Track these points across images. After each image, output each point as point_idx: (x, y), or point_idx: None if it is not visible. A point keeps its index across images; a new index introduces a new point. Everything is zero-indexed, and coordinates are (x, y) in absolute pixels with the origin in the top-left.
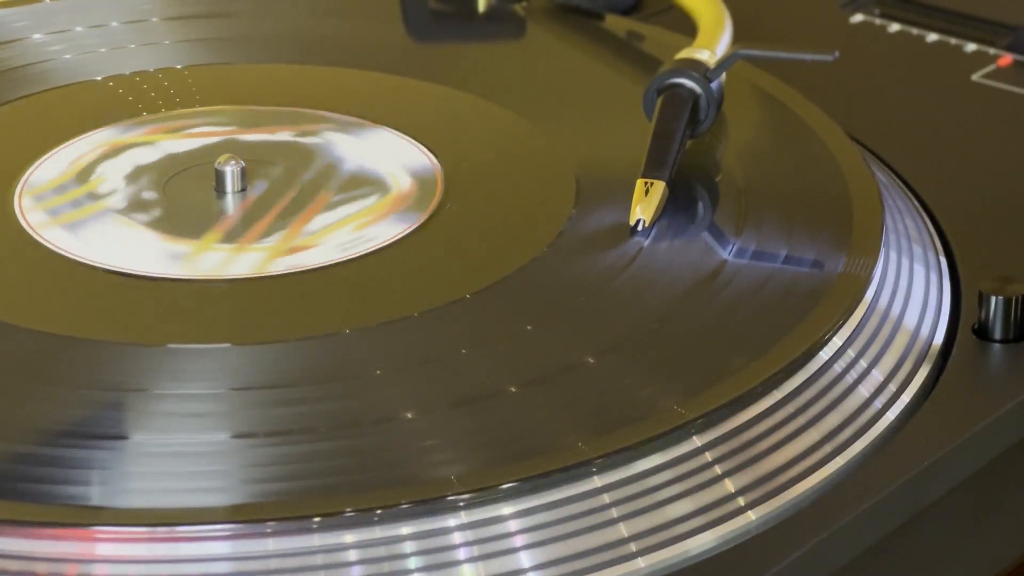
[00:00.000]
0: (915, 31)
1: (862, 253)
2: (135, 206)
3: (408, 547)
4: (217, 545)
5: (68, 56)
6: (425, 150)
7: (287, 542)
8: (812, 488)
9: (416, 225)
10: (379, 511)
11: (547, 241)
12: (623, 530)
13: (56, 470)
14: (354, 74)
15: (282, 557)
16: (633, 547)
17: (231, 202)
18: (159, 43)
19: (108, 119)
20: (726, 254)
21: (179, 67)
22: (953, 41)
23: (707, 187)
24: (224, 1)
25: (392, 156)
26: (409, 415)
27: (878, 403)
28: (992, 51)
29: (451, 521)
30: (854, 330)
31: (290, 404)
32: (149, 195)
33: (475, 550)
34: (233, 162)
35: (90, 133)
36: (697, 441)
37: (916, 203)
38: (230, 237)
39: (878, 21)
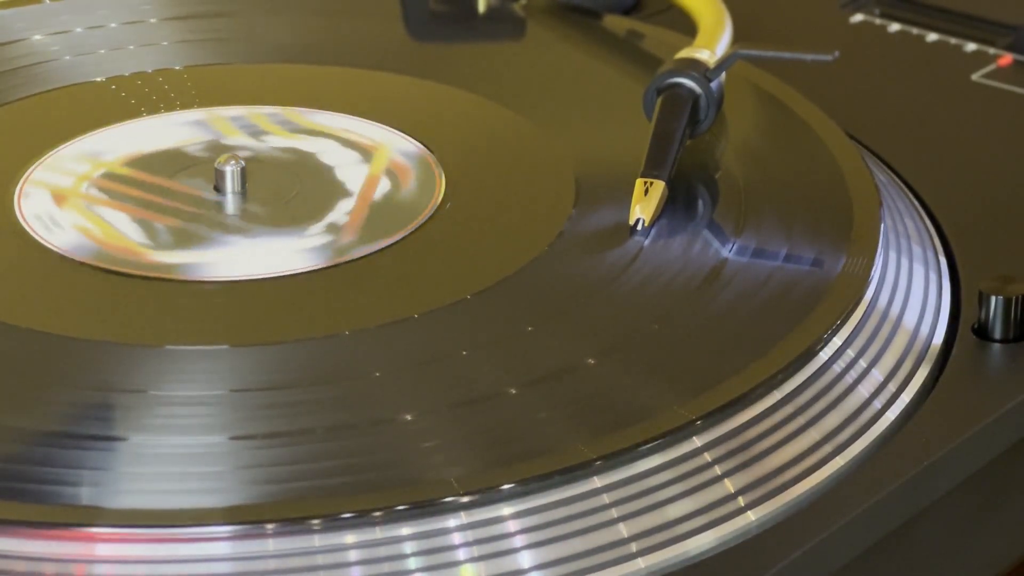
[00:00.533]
0: (915, 31)
1: (862, 253)
2: (135, 206)
3: (408, 548)
4: (217, 546)
5: (68, 57)
6: (425, 150)
7: (287, 543)
8: (812, 488)
9: (416, 225)
10: (379, 512)
11: (547, 241)
12: (623, 530)
13: (56, 470)
14: (354, 74)
15: (282, 558)
16: (633, 547)
17: (231, 202)
18: (158, 44)
19: (108, 120)
20: (726, 254)
21: (178, 67)
22: (953, 41)
23: (707, 187)
24: (223, 1)
25: (392, 155)
26: (409, 416)
27: (878, 403)
28: (992, 51)
29: (451, 522)
30: (854, 330)
31: (290, 405)
32: (149, 195)
33: (475, 551)
34: (233, 162)
35: (90, 133)
36: (697, 441)
37: (916, 203)
38: (229, 237)
39: (878, 21)
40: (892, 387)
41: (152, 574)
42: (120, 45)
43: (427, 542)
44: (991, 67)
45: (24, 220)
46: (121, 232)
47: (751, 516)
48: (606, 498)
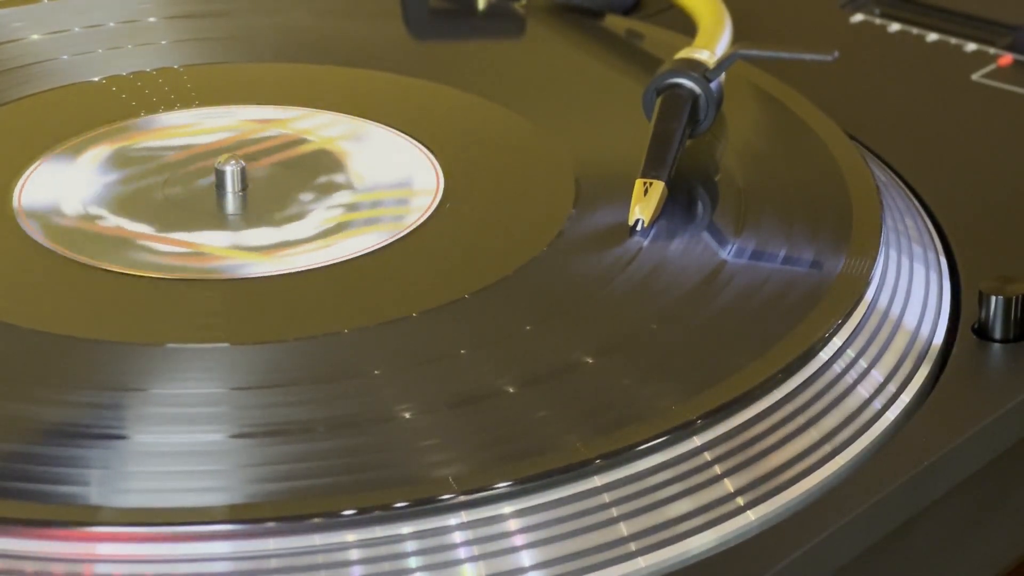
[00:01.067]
0: (915, 31)
1: (862, 253)
2: (135, 206)
3: (408, 546)
4: (217, 545)
5: (66, 56)
6: (425, 149)
7: (287, 542)
8: (812, 488)
9: (416, 225)
10: (379, 511)
11: (547, 241)
12: (623, 529)
13: (56, 470)
14: (354, 73)
15: (282, 557)
16: (633, 546)
17: (231, 202)
18: (157, 43)
19: (107, 119)
20: (725, 254)
21: (177, 67)
22: (953, 41)
23: (707, 187)
24: (222, 1)
25: (391, 155)
26: (409, 415)
27: (878, 403)
28: (992, 51)
29: (451, 520)
30: (854, 330)
31: (290, 404)
32: (149, 195)
33: (475, 549)
34: (233, 162)
35: (89, 133)
36: (697, 441)
37: (916, 203)
38: (230, 237)
39: (878, 21)
40: (892, 387)
41: (153, 573)
42: (119, 45)
43: (427, 541)
44: (991, 67)
45: (24, 220)
46: (121, 232)
47: (751, 516)
48: (606, 497)
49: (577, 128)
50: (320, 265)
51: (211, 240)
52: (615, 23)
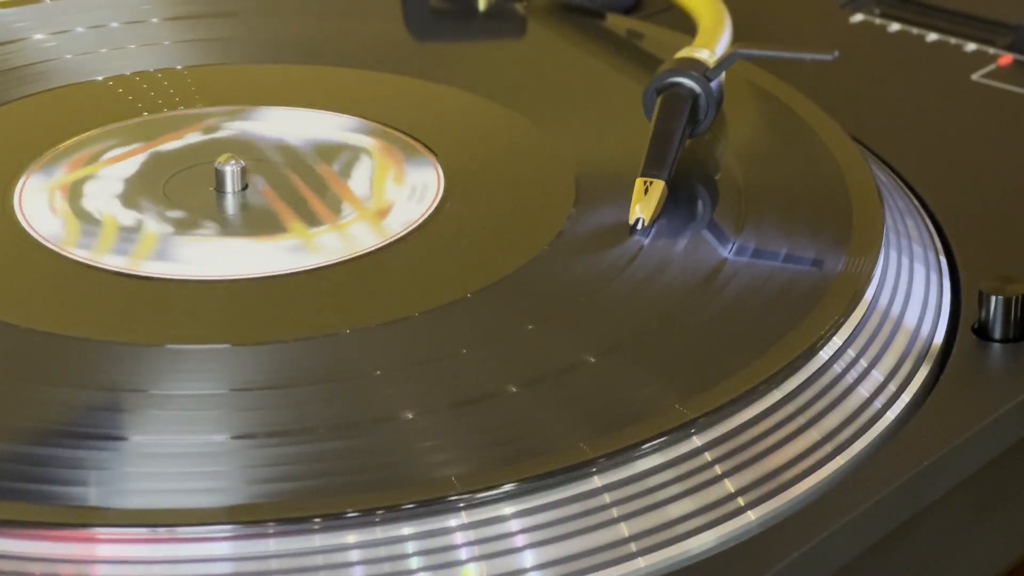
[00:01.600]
0: (915, 31)
1: (862, 252)
2: (135, 206)
3: (409, 547)
4: (217, 546)
5: (68, 56)
6: (425, 149)
7: (288, 543)
8: (812, 488)
9: (416, 225)
10: (380, 511)
11: (547, 240)
12: (624, 530)
13: (56, 470)
14: (354, 73)
15: (282, 558)
16: (633, 547)
17: (231, 202)
18: (159, 43)
19: (108, 119)
20: (726, 253)
21: (179, 67)
22: (953, 41)
23: (707, 186)
24: (223, 1)
25: (392, 155)
26: (409, 415)
27: (878, 403)
28: (992, 51)
29: (452, 521)
30: (854, 330)
31: (290, 404)
32: (149, 195)
33: (476, 550)
34: (233, 162)
35: (90, 133)
36: (697, 441)
37: (916, 203)
38: (230, 238)
39: (878, 21)
40: (892, 387)
41: (153, 574)
42: (121, 45)
43: (428, 542)
44: (991, 67)
45: (24, 220)
46: (121, 231)
47: (751, 516)
48: (607, 497)
49: (577, 128)
50: (320, 265)
51: (210, 240)
52: (615, 23)
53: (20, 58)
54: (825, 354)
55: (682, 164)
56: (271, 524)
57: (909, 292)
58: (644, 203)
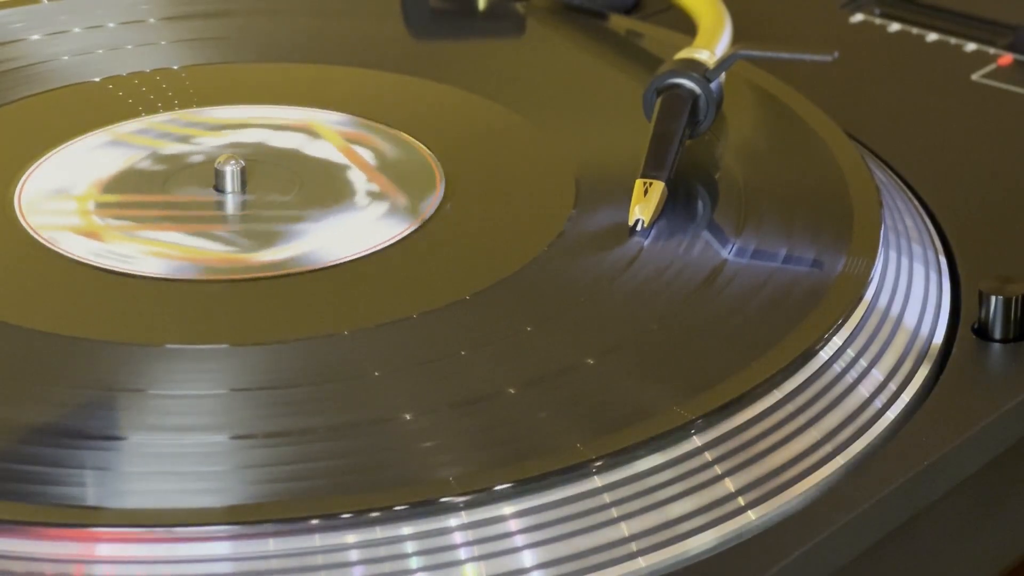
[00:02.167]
0: (915, 31)
1: (862, 252)
2: (134, 206)
3: (408, 547)
4: (217, 546)
5: (66, 57)
6: (425, 149)
7: (287, 543)
8: (812, 488)
9: (416, 225)
10: (379, 512)
11: (547, 241)
12: (624, 530)
13: (56, 470)
14: (354, 73)
15: (282, 558)
16: (633, 547)
17: (231, 202)
18: (156, 44)
19: (106, 120)
20: (726, 254)
21: (176, 67)
22: (953, 41)
23: (707, 187)
24: (222, 1)
25: (392, 155)
26: (409, 416)
27: (878, 402)
28: (992, 51)
29: (451, 521)
30: (854, 330)
31: (289, 405)
32: (148, 195)
33: (475, 550)
34: (233, 162)
35: (89, 134)
36: (697, 441)
37: (916, 203)
38: (229, 237)
39: (878, 21)
40: (892, 387)
41: (152, 574)
42: (118, 45)
43: (427, 542)
44: (991, 67)
45: (24, 220)
46: (121, 232)
47: (751, 515)
48: (606, 497)
49: (577, 128)
50: (320, 265)
51: (210, 240)
52: (615, 23)
53: (17, 59)
54: (825, 354)
55: (682, 165)
56: (270, 524)
57: (909, 292)
58: (644, 204)
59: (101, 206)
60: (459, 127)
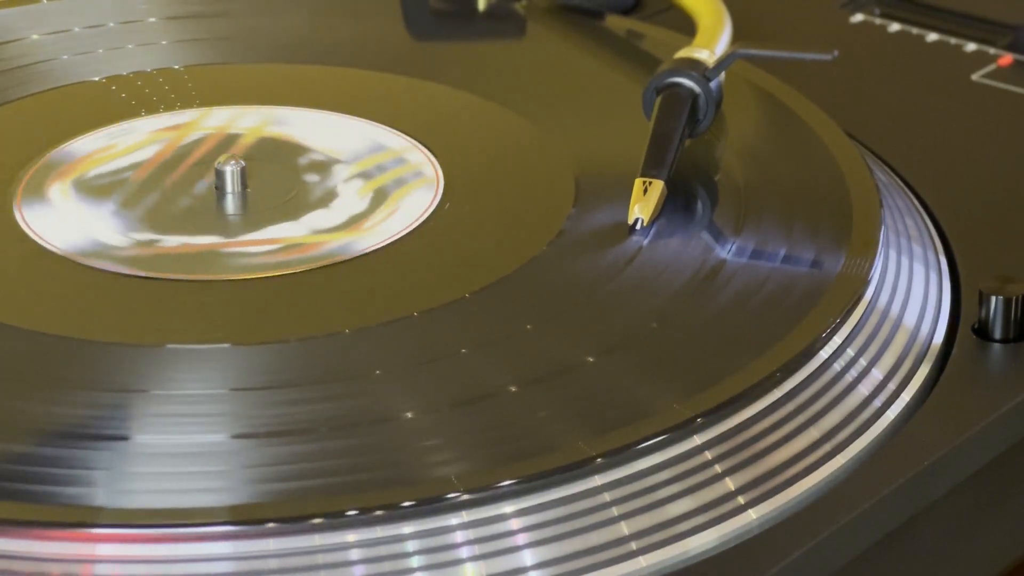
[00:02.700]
0: (915, 31)
1: (861, 252)
2: (135, 206)
3: (410, 546)
4: (218, 545)
5: (66, 56)
6: (425, 149)
7: (288, 542)
8: (812, 487)
9: (416, 225)
10: (380, 511)
11: (547, 240)
12: (624, 528)
13: (56, 470)
14: (354, 73)
15: (283, 557)
16: (634, 545)
17: (231, 202)
18: (157, 43)
19: (107, 119)
20: (725, 253)
21: (177, 67)
22: (953, 41)
23: (706, 186)
24: (222, 1)
25: (391, 155)
26: (409, 415)
27: (878, 402)
28: (992, 51)
29: (452, 520)
30: (853, 329)
31: (290, 404)
32: (149, 195)
33: (476, 549)
34: (233, 162)
35: (89, 134)
36: (697, 440)
37: (916, 203)
38: (230, 237)
39: (878, 21)
40: (892, 386)
41: (153, 574)
42: (119, 45)
43: (428, 540)
44: (991, 67)
45: (24, 220)
46: (121, 231)
47: (752, 515)
48: (607, 496)
49: (577, 128)
50: (320, 265)
51: (210, 240)
52: (615, 23)
53: (18, 59)
54: (825, 353)
55: (681, 164)
56: (271, 524)
57: (909, 292)
58: (643, 203)
59: (101, 206)
60: (459, 127)
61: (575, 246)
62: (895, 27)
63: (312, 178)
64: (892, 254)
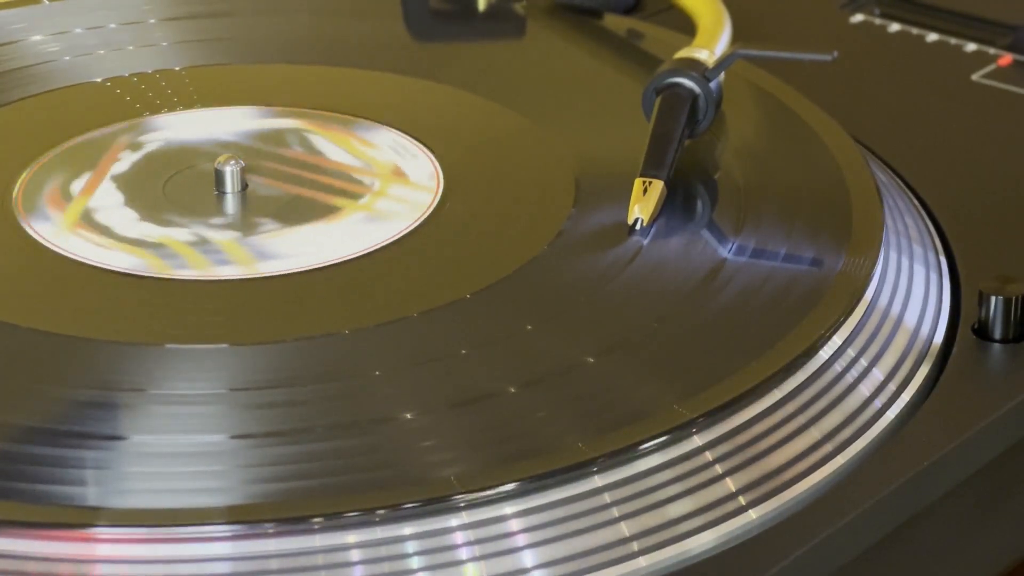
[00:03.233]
0: (915, 31)
1: (862, 252)
2: (135, 206)
3: (409, 547)
4: (217, 546)
5: (67, 58)
6: (425, 149)
7: (287, 543)
8: (813, 487)
9: (416, 225)
10: (380, 511)
11: (547, 241)
12: (624, 529)
13: (56, 470)
14: (354, 73)
15: (282, 557)
16: (634, 546)
17: (231, 202)
18: (157, 44)
19: (107, 120)
20: (726, 253)
21: (177, 68)
22: (953, 41)
23: (706, 186)
24: (223, 1)
25: (392, 155)
26: (409, 415)
27: (878, 402)
28: (992, 51)
29: (452, 521)
30: (854, 329)
31: (290, 404)
32: (149, 195)
33: (476, 550)
34: (233, 162)
35: (89, 134)
36: (697, 440)
37: (916, 203)
38: (229, 238)
39: (878, 21)
40: (892, 386)
41: (152, 574)
42: (119, 46)
43: (428, 541)
44: (991, 67)
45: (24, 220)
46: (121, 231)
47: (752, 515)
48: (607, 497)
49: (577, 128)
50: (320, 265)
51: (210, 240)
52: (615, 23)
53: (18, 59)
54: (825, 353)
55: (681, 164)
56: (271, 524)
57: (909, 292)
58: (643, 203)
59: (101, 206)
60: (459, 127)
61: (575, 246)
62: (895, 27)
63: (311, 178)
64: (892, 254)
